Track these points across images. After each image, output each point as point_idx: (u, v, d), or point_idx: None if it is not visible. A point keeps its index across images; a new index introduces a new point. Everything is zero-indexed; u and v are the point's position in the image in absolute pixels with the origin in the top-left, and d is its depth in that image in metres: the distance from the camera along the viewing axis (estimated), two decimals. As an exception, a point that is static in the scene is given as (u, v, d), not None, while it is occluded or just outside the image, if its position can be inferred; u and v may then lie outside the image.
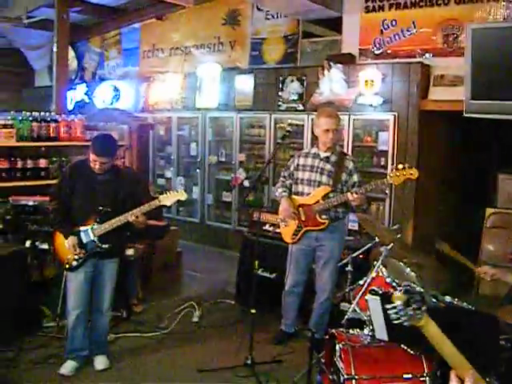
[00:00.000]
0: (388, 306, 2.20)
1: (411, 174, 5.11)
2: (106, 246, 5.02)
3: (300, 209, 5.66)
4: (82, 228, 5.00)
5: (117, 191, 5.07)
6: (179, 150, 11.14)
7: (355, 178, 5.63)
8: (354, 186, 5.51)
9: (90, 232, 4.99)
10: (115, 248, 5.16)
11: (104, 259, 5.12)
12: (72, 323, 5.11)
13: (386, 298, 3.32)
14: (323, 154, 5.68)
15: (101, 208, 4.96)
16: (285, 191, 5.77)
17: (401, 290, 2.27)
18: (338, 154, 5.71)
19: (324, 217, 5.56)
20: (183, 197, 5.13)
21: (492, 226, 7.55)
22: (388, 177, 5.21)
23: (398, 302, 2.17)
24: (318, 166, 5.66)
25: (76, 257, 4.99)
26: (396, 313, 2.18)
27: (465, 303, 4.11)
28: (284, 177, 5.93)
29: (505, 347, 3.81)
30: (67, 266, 5.06)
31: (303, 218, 5.65)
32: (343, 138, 8.31)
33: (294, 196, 5.73)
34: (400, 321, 2.19)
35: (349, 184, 5.58)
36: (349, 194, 5.32)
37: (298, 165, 5.78)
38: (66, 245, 5.00)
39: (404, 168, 5.07)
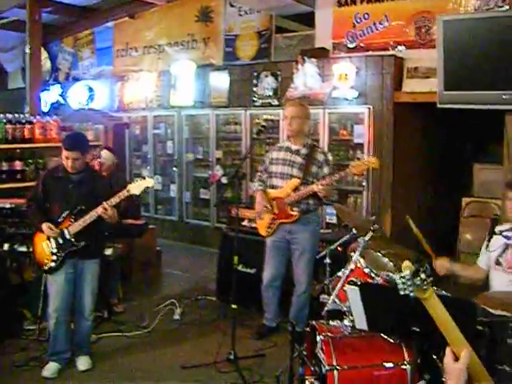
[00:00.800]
0: (396, 276, 2.21)
1: (373, 162, 5.28)
2: (82, 243, 5.00)
3: (273, 202, 5.72)
4: (59, 228, 4.99)
5: (91, 191, 5.07)
6: (155, 148, 11.13)
7: (325, 170, 5.69)
8: (324, 179, 5.59)
9: (65, 231, 4.98)
10: (92, 246, 5.12)
11: (84, 259, 5.09)
12: (53, 326, 5.08)
13: (365, 287, 3.36)
14: (294, 147, 5.75)
15: (76, 207, 4.96)
16: (260, 185, 5.84)
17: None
18: (309, 146, 5.77)
19: (295, 209, 5.64)
20: (151, 183, 5.14)
21: (469, 215, 7.62)
22: (350, 167, 5.35)
23: (406, 272, 2.18)
24: (290, 159, 5.72)
25: (54, 257, 4.98)
26: (403, 282, 2.19)
27: (443, 292, 4.15)
28: (260, 171, 5.99)
29: (483, 333, 3.86)
30: (46, 268, 5.05)
31: (276, 211, 5.72)
32: (311, 131, 8.35)
33: (268, 190, 5.79)
34: (407, 291, 2.20)
35: (319, 176, 5.65)
36: (314, 185, 5.43)
37: (272, 159, 5.84)
38: (44, 242, 5.02)
39: (365, 157, 5.23)
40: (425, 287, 2.14)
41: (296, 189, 5.61)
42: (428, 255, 4.64)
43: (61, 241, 4.99)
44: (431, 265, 4.08)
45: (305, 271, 5.76)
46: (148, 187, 5.18)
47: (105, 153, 6.87)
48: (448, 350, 2.15)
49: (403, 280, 2.17)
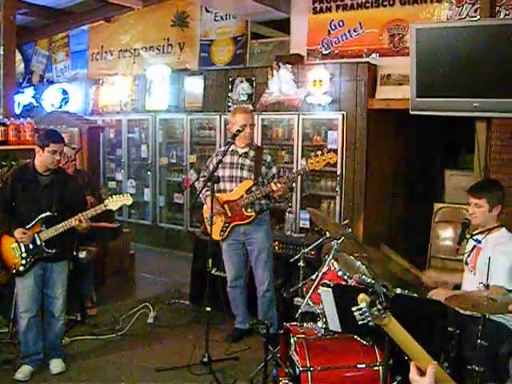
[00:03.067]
0: (353, 309, 2.27)
1: (330, 157, 5.40)
2: (53, 250, 4.99)
3: (225, 205, 5.78)
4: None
5: (61, 193, 5.06)
6: (129, 152, 11.10)
7: (274, 170, 5.84)
8: (274, 178, 5.72)
9: (36, 237, 4.95)
10: (62, 250, 5.12)
11: (52, 262, 5.08)
12: (23, 327, 5.06)
13: (338, 289, 3.41)
14: (241, 151, 5.84)
15: (47, 212, 4.93)
16: (207, 190, 5.75)
17: (365, 291, 2.33)
18: (255, 148, 5.90)
19: (250, 210, 5.73)
20: (129, 201, 5.13)
21: (440, 221, 7.73)
22: (308, 163, 5.44)
23: (362, 304, 2.24)
24: (238, 162, 5.81)
25: (23, 262, 4.95)
26: (361, 314, 2.24)
27: (415, 295, 4.22)
28: (204, 176, 5.99)
29: (453, 333, 3.94)
30: (14, 272, 5.02)
31: (229, 214, 5.78)
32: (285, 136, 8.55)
33: (217, 194, 5.76)
34: (365, 321, 2.25)
35: (269, 176, 5.78)
36: (272, 184, 5.50)
37: (217, 163, 5.85)
38: (13, 246, 4.97)
39: (322, 154, 5.35)
40: (383, 316, 2.20)
41: (249, 190, 5.70)
42: (414, 274, 4.73)
43: (31, 246, 4.96)
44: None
45: (265, 270, 5.85)
46: (126, 205, 5.19)
47: (66, 148, 6.90)
48: (412, 365, 2.20)
49: (360, 312, 2.23)
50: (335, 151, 7.96)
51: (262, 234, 5.84)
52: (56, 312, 5.18)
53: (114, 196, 5.08)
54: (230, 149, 5.83)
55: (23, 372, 5.05)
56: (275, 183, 5.47)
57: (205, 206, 5.91)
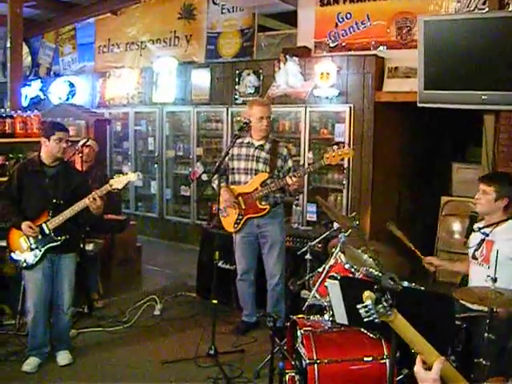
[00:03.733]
0: (359, 306, 2.26)
1: (346, 153, 5.37)
2: (62, 238, 4.99)
3: (239, 198, 5.77)
4: (36, 224, 4.96)
5: (67, 183, 5.08)
6: (136, 145, 11.10)
7: (290, 163, 5.79)
8: (290, 171, 5.67)
9: (44, 226, 4.97)
10: (71, 240, 5.12)
11: (61, 254, 5.09)
12: (32, 321, 5.07)
13: (345, 281, 3.39)
14: (257, 143, 5.81)
15: (53, 201, 4.95)
16: (222, 181, 5.83)
17: (372, 286, 2.33)
18: (271, 141, 5.85)
19: (264, 203, 5.71)
20: (133, 178, 5.13)
21: (447, 214, 7.72)
22: (324, 158, 5.39)
23: (368, 302, 2.23)
24: (254, 154, 5.78)
25: (33, 253, 4.97)
26: (367, 311, 2.23)
27: (422, 288, 4.21)
28: (221, 168, 5.98)
29: (461, 327, 3.93)
30: (24, 265, 5.03)
31: (243, 207, 5.76)
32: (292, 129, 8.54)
33: (232, 186, 5.82)
34: (370, 318, 2.25)
35: (284, 169, 5.74)
36: (288, 178, 5.46)
37: (233, 155, 5.86)
38: (22, 239, 4.99)
39: (339, 148, 5.31)
40: (389, 312, 2.19)
41: (264, 183, 5.68)
42: (416, 255, 4.73)
43: (40, 236, 4.97)
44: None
45: (276, 264, 5.84)
46: (130, 181, 5.19)
47: (91, 141, 6.93)
48: (418, 359, 2.20)
49: (366, 309, 2.22)
50: (343, 144, 7.96)
51: (276, 227, 5.82)
52: (64, 305, 5.20)
53: (118, 175, 5.08)
54: (246, 141, 5.84)
55: (31, 364, 5.07)
56: (290, 177, 5.44)
57: (220, 198, 5.89)
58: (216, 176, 5.63)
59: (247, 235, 5.88)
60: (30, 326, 5.12)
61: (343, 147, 5.38)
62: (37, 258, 4.99)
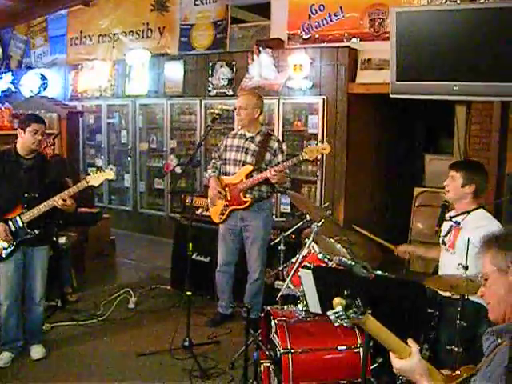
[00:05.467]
0: (329, 313, 2.29)
1: (324, 148, 5.40)
2: (36, 232, 4.95)
3: (226, 188, 5.78)
4: (9, 216, 4.91)
5: (42, 176, 5.04)
6: (109, 138, 11.04)
7: (280, 157, 5.77)
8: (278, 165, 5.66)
9: (18, 219, 4.91)
10: (45, 234, 5.10)
11: (34, 246, 5.06)
12: (4, 314, 5.03)
13: (318, 271, 3.42)
14: (249, 135, 5.82)
15: (28, 194, 4.90)
16: (214, 171, 5.90)
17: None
18: (263, 134, 5.84)
19: (247, 196, 5.71)
20: (111, 176, 5.11)
21: (420, 205, 7.79)
22: (303, 153, 5.44)
23: (338, 308, 2.25)
24: (243, 146, 5.79)
25: (5, 245, 4.90)
26: (337, 317, 2.26)
27: (394, 276, 4.25)
28: (214, 158, 6.05)
29: (433, 315, 3.97)
30: None
31: (229, 198, 5.78)
32: (266, 121, 8.49)
33: (222, 176, 5.85)
34: (341, 323, 2.27)
35: (273, 164, 5.71)
36: (267, 171, 5.51)
37: (226, 145, 5.90)
38: None
39: (317, 143, 5.34)
40: (359, 317, 2.22)
41: (249, 175, 5.68)
42: (386, 249, 4.77)
43: (13, 229, 4.92)
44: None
45: (257, 258, 5.83)
46: (108, 179, 5.19)
47: None
48: (392, 356, 2.28)
49: (336, 315, 2.24)
50: (316, 136, 7.99)
51: (260, 221, 5.78)
52: (36, 297, 5.16)
53: (95, 172, 5.05)
54: (240, 132, 5.86)
55: (3, 359, 5.04)
56: (270, 170, 5.47)
57: (209, 189, 5.89)
58: (210, 166, 5.72)
59: (231, 227, 5.87)
60: (3, 319, 5.07)
61: (322, 142, 5.39)
62: (9, 251, 4.93)
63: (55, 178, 5.17)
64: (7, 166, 4.99)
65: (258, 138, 5.78)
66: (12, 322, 5.07)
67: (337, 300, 2.27)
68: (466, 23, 5.90)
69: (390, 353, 2.29)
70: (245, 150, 5.76)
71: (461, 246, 4.03)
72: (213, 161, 6.06)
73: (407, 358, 2.26)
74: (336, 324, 2.27)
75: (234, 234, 5.90)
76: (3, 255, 4.93)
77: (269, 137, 5.85)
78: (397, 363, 2.26)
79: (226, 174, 5.86)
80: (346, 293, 2.31)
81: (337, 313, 2.24)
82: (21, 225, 4.92)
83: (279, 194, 8.30)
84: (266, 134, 5.88)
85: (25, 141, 4.95)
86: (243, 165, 5.73)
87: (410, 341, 2.28)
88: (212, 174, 5.85)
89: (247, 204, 5.70)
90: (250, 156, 5.72)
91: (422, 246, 5.20)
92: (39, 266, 5.12)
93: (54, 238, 6.19)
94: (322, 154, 7.84)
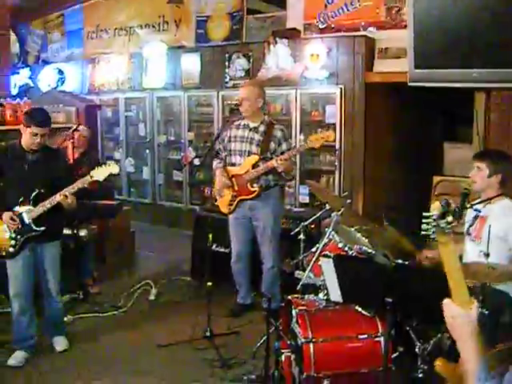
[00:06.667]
0: (424, 214, 2.18)
1: (327, 136, 5.48)
2: (42, 228, 4.90)
3: (233, 179, 5.82)
4: (16, 212, 4.84)
5: (49, 171, 4.97)
6: (127, 131, 11.05)
7: (284, 146, 5.80)
8: (283, 154, 5.66)
9: (24, 215, 4.85)
10: (52, 230, 5.02)
11: (42, 243, 5.00)
12: (16, 311, 5.01)
13: (339, 259, 3.41)
14: (252, 125, 5.84)
15: (33, 190, 4.84)
16: (219, 163, 5.91)
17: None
18: (266, 123, 5.86)
19: (255, 185, 5.75)
20: (115, 170, 5.06)
21: (439, 194, 7.72)
22: (308, 141, 5.55)
23: (434, 212, 2.15)
24: (248, 136, 5.82)
25: (12, 242, 4.85)
26: (427, 223, 2.16)
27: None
28: (219, 149, 6.06)
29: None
30: (4, 254, 4.90)
31: (236, 188, 5.81)
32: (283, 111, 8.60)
33: (228, 167, 5.86)
34: (428, 232, 2.17)
35: (278, 152, 5.74)
36: (273, 160, 5.53)
37: (230, 136, 5.93)
38: (3, 227, 4.85)
39: (321, 131, 5.38)
40: (447, 230, 2.09)
41: (255, 165, 5.71)
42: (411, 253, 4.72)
43: (19, 225, 4.86)
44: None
45: (269, 246, 5.86)
46: (112, 174, 5.09)
47: (82, 127, 6.92)
48: (450, 301, 2.08)
49: (428, 220, 2.13)
50: (334, 125, 7.96)
51: (268, 210, 5.82)
52: (53, 293, 5.15)
53: (99, 166, 5.00)
54: (243, 123, 5.86)
55: (17, 358, 5.01)
56: (276, 159, 5.49)
57: (215, 179, 5.92)
58: (216, 158, 5.68)
59: (240, 217, 5.91)
60: (15, 316, 5.04)
61: (326, 130, 5.43)
62: (16, 248, 4.88)
63: (62, 171, 5.13)
64: (12, 161, 4.93)
65: (262, 128, 5.82)
66: (23, 320, 5.04)
67: (436, 204, 2.17)
68: (485, 8, 5.83)
69: (447, 299, 2.10)
70: (249, 140, 5.80)
71: (487, 236, 4.00)
72: (217, 152, 6.08)
73: (468, 309, 2.07)
74: (422, 232, 2.16)
75: (244, 224, 5.94)
76: (10, 251, 4.88)
77: (272, 126, 5.88)
78: (455, 310, 2.06)
79: (231, 164, 5.89)
80: (444, 203, 2.19)
81: (430, 217, 2.14)
82: (27, 221, 4.86)
83: (297, 185, 8.31)
84: (270, 124, 5.90)
85: (25, 139, 4.87)
86: (248, 155, 5.77)
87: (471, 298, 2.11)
88: (218, 166, 5.88)
89: (255, 193, 5.74)
90: (255, 146, 5.76)
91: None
92: (50, 263, 5.08)
93: (75, 231, 6.24)
94: (340, 143, 7.89)
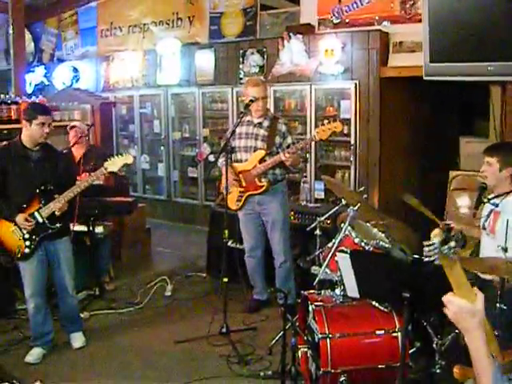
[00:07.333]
0: (425, 243, 2.18)
1: (335, 127, 5.41)
2: (58, 225, 4.89)
3: (240, 175, 5.83)
4: (27, 213, 4.80)
5: (54, 167, 4.94)
6: (142, 127, 11.09)
7: (289, 140, 5.81)
8: (289, 148, 5.66)
9: (37, 215, 4.82)
10: (65, 226, 5.04)
11: (54, 240, 4.98)
12: (32, 311, 5.02)
13: (355, 254, 3.39)
14: (256, 121, 5.85)
15: (43, 187, 4.81)
16: (225, 160, 5.85)
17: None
18: (270, 118, 5.88)
19: (263, 180, 5.76)
20: (129, 160, 5.05)
21: (456, 188, 7.68)
22: (315, 133, 5.53)
23: (435, 239, 2.15)
24: (253, 132, 5.83)
25: (27, 243, 4.82)
26: (430, 250, 2.15)
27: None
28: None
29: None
30: (19, 256, 4.86)
31: (244, 184, 5.83)
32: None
33: (234, 164, 5.86)
34: (431, 258, 2.17)
35: (284, 146, 5.75)
36: (281, 154, 5.53)
37: (234, 134, 5.88)
38: (13, 229, 4.82)
39: (329, 122, 5.41)
40: (451, 256, 2.08)
41: (262, 160, 5.72)
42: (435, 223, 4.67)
43: (33, 226, 4.83)
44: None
45: (280, 241, 5.88)
46: (127, 164, 5.09)
47: (80, 124, 6.96)
48: (452, 295, 2.02)
49: (430, 248, 2.13)
50: (349, 121, 7.94)
51: (276, 204, 5.83)
52: (69, 289, 5.16)
53: (112, 158, 4.99)
54: (247, 119, 5.86)
55: (34, 354, 5.04)
56: (283, 153, 5.50)
57: (223, 177, 5.92)
58: (222, 155, 5.65)
59: (249, 212, 5.93)
60: (31, 315, 5.05)
61: (333, 121, 5.39)
62: (32, 248, 4.86)
63: (67, 168, 5.11)
64: (16, 160, 4.87)
65: (266, 123, 5.83)
66: (39, 318, 5.06)
67: (436, 231, 2.17)
68: (500, 2, 5.79)
69: (450, 294, 2.04)
70: (254, 136, 5.81)
71: (501, 230, 3.98)
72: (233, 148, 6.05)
73: (472, 302, 2.02)
74: (425, 259, 2.14)
75: (254, 219, 5.96)
76: (26, 252, 4.85)
77: (276, 120, 5.89)
78: (458, 302, 2.01)
79: (237, 161, 5.90)
80: (446, 227, 2.19)
81: (432, 244, 2.14)
82: (41, 220, 4.82)
83: (313, 180, 8.29)
84: (273, 118, 5.92)
85: (32, 133, 4.81)
86: (254, 151, 5.78)
87: (475, 289, 2.09)
88: (224, 163, 5.83)
89: (264, 188, 5.75)
90: (261, 141, 5.77)
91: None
92: (64, 259, 5.07)
93: (91, 228, 6.26)
94: (355, 138, 7.87)
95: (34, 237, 4.85)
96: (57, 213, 4.83)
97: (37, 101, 7.41)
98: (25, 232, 4.82)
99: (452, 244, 2.07)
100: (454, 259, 2.04)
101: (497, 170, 4.25)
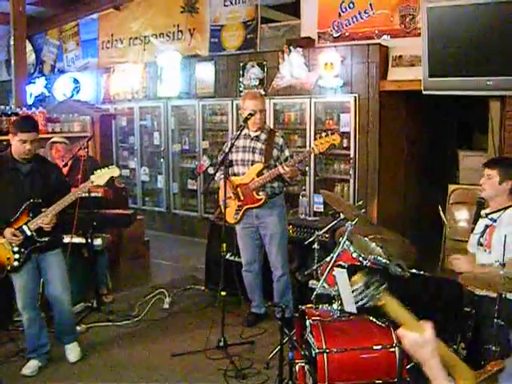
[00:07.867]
0: (352, 289, 2.23)
1: (334, 139, 5.39)
2: (45, 238, 4.85)
3: (238, 189, 5.79)
4: (15, 226, 4.76)
5: (44, 180, 4.89)
6: (142, 139, 11.11)
7: (287, 152, 5.80)
8: (287, 160, 5.66)
9: (25, 228, 4.77)
10: (54, 239, 4.98)
11: (45, 252, 4.95)
12: (26, 323, 5.00)
13: (352, 269, 3.40)
14: (253, 134, 5.83)
15: (31, 201, 4.76)
16: (222, 174, 5.83)
17: (362, 269, 2.30)
18: (267, 131, 5.87)
19: (261, 193, 5.73)
20: (115, 173, 5.01)
21: (455, 202, 7.69)
22: (313, 145, 5.51)
23: (358, 284, 2.21)
24: (250, 145, 5.81)
25: (16, 256, 4.78)
26: (357, 295, 2.21)
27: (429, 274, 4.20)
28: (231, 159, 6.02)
29: (470, 314, 3.92)
30: (9, 268, 4.81)
31: (242, 197, 5.79)
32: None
33: (232, 177, 5.83)
34: (363, 302, 2.22)
35: (281, 159, 5.74)
36: (280, 167, 5.51)
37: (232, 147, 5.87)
38: (2, 242, 4.76)
39: (327, 135, 5.38)
40: (378, 296, 2.15)
41: (260, 173, 5.70)
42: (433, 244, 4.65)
43: (22, 239, 4.78)
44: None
45: (278, 255, 5.85)
46: (113, 177, 5.07)
47: (57, 138, 6.94)
48: (404, 330, 2.13)
49: (356, 293, 2.19)
50: (348, 134, 7.96)
51: (275, 217, 5.81)
52: (62, 299, 5.10)
53: (98, 170, 4.94)
54: (243, 132, 5.84)
55: (31, 367, 5.00)
56: (282, 166, 5.49)
57: (220, 191, 5.92)
58: (220, 169, 5.66)
59: (247, 226, 5.90)
60: (26, 327, 5.03)
61: (331, 134, 5.39)
62: (21, 261, 4.81)
63: (58, 181, 5.05)
64: (5, 173, 4.83)
65: (263, 136, 5.82)
66: (34, 331, 5.03)
67: (356, 277, 2.22)
68: (498, 17, 5.83)
69: (401, 328, 2.14)
70: (252, 150, 5.80)
71: (497, 244, 3.98)
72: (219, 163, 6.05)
73: (421, 333, 2.11)
74: (358, 303, 2.20)
75: (252, 233, 5.93)
76: (15, 266, 4.81)
77: (273, 133, 5.88)
78: (409, 336, 2.10)
79: (234, 174, 5.87)
80: (366, 270, 2.26)
81: (356, 290, 2.19)
82: (29, 233, 4.77)
83: (312, 194, 8.29)
84: (270, 131, 5.91)
85: (14, 149, 4.78)
86: (252, 164, 5.76)
87: (422, 322, 2.16)
88: (221, 177, 5.79)
89: (261, 201, 5.72)
90: (258, 154, 5.76)
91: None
92: (56, 271, 5.03)
93: (89, 240, 6.25)
94: (355, 152, 7.88)
95: (22, 250, 4.80)
96: (44, 227, 4.78)
97: (37, 112, 7.44)
98: (14, 245, 4.77)
99: (375, 285, 2.12)
100: (385, 299, 2.11)
101: (497, 182, 4.26)
